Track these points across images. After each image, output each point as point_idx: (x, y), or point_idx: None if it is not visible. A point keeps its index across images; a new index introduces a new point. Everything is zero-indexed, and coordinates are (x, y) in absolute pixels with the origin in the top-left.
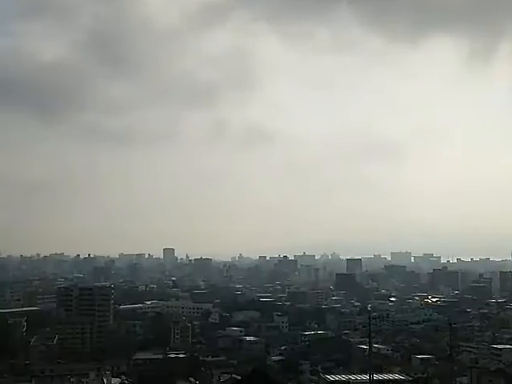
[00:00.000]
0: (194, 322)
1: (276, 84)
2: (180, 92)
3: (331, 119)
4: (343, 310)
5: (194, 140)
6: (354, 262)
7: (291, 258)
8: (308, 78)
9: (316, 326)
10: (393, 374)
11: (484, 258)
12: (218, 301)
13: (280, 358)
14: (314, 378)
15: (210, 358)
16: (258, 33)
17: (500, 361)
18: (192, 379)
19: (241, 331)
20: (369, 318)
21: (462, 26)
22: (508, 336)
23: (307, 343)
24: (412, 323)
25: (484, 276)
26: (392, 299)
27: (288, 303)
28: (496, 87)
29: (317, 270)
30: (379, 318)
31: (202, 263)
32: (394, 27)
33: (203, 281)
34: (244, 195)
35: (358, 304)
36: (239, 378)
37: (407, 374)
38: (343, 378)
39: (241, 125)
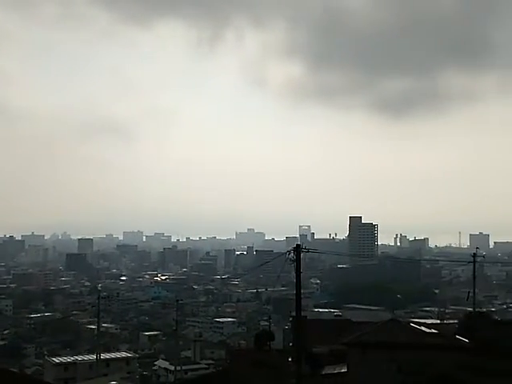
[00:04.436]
0: None
1: None
2: None
3: (60, 96)
4: (72, 291)
5: None
6: (85, 242)
7: (18, 238)
8: (33, 50)
9: (43, 308)
10: (120, 352)
11: (211, 236)
12: None
13: (2, 342)
14: (39, 361)
15: None
16: None
17: (222, 333)
18: None
19: None
20: (98, 298)
21: (191, 11)
22: (230, 310)
23: (33, 326)
24: (141, 301)
25: (210, 254)
26: (123, 278)
27: (13, 285)
28: (221, 74)
29: (46, 250)
30: (109, 297)
31: None
32: (124, 6)
33: None
34: None
35: (89, 284)
36: None
37: (135, 351)
38: (69, 359)
39: None
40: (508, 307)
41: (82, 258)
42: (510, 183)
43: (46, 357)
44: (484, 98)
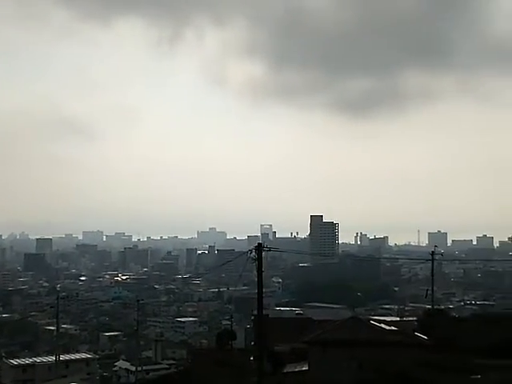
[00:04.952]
0: None
1: None
2: None
3: (21, 95)
4: (31, 292)
5: None
6: (43, 242)
7: None
8: None
9: (1, 309)
10: (80, 353)
11: (172, 236)
12: None
13: None
14: None
15: None
16: None
17: (183, 333)
18: None
19: None
20: (57, 298)
21: (151, 10)
22: (191, 309)
23: None
24: (101, 301)
25: (172, 253)
26: (82, 278)
27: None
28: (182, 73)
29: (3, 250)
30: (68, 297)
31: None
32: (83, 4)
33: None
34: None
35: (47, 284)
36: None
37: (95, 352)
38: (28, 361)
39: None
40: (465, 304)
41: (40, 258)
42: (468, 182)
43: (4, 358)
44: (443, 97)
